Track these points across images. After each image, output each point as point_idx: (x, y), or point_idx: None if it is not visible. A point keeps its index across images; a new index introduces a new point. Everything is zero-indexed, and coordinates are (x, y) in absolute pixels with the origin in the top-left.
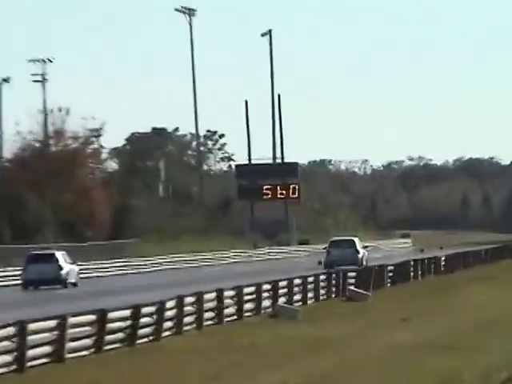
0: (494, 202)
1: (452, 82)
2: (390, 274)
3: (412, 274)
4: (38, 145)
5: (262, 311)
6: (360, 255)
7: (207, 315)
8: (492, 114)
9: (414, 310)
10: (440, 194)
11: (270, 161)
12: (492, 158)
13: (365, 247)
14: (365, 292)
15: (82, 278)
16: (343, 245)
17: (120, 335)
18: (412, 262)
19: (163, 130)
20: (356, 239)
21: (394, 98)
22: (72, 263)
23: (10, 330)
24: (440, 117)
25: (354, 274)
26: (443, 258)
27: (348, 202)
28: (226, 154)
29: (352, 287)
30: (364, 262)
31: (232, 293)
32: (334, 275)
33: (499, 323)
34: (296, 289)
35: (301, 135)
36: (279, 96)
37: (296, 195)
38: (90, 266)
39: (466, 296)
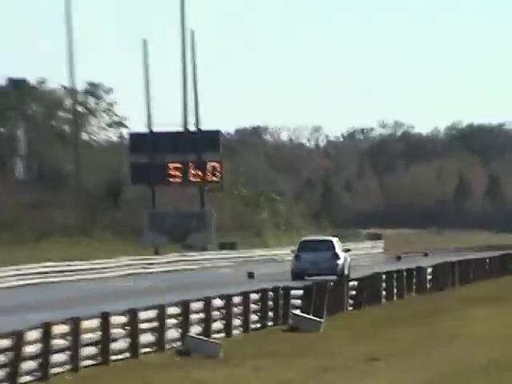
0: (503, 190)
1: (442, 23)
2: (353, 293)
3: (384, 292)
4: None
5: (168, 346)
6: (340, 261)
7: (87, 351)
8: (501, 65)
9: (385, 345)
10: (425, 178)
11: (180, 129)
12: (502, 126)
13: (346, 250)
14: (316, 318)
15: None
16: (318, 247)
17: None
18: (384, 276)
19: (22, 81)
20: (335, 240)
21: (358, 44)
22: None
23: None
24: (426, 68)
25: (299, 292)
26: (429, 270)
27: (292, 187)
28: (116, 119)
29: (297, 311)
30: (346, 271)
31: (123, 319)
32: (271, 294)
33: (503, 368)
34: (216, 314)
35: (224, 94)
36: (193, 34)
37: (217, 178)
38: None
39: (460, 325)
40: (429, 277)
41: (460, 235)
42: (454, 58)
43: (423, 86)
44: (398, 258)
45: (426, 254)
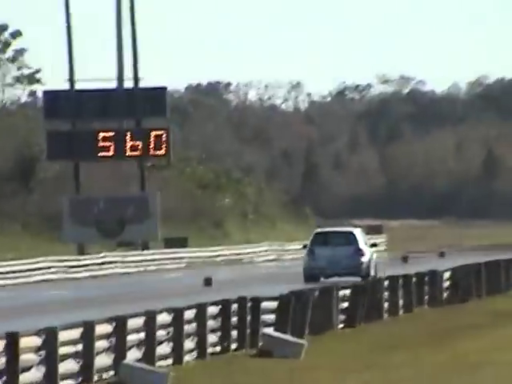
0: None
1: None
2: (345, 306)
3: (387, 304)
4: None
5: (96, 376)
6: (365, 258)
7: None
8: None
9: (388, 376)
10: (441, 151)
11: (112, 84)
12: None
13: (372, 245)
14: (295, 340)
15: None
16: (336, 241)
17: None
18: (386, 283)
19: None
20: (357, 231)
21: None
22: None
23: None
24: (439, 5)
25: (272, 304)
26: (447, 275)
27: (264, 164)
28: (26, 71)
29: (269, 330)
30: (372, 271)
31: (36, 341)
32: (234, 306)
33: None
34: (161, 333)
35: (173, 42)
36: None
37: (163, 151)
38: None
39: (489, 348)
40: (446, 284)
41: (487, 228)
42: None
43: (436, 29)
44: (405, 259)
45: (441, 254)
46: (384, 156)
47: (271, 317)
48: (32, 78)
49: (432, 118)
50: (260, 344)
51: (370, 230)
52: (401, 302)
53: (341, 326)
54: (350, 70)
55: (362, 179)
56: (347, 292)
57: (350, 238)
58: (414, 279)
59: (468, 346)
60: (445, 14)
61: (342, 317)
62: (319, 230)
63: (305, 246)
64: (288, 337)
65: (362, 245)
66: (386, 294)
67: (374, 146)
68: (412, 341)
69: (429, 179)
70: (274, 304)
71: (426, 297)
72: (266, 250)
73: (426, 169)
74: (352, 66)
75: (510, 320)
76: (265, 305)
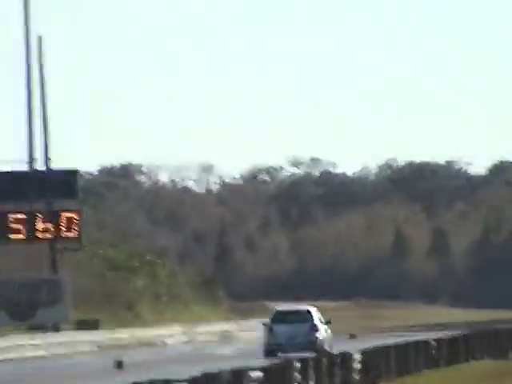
0: (452, 248)
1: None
2: None
3: None
4: None
5: None
6: (320, 334)
7: None
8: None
9: None
10: (351, 232)
11: (24, 167)
12: (450, 164)
13: (327, 322)
14: None
15: None
16: (293, 318)
17: None
18: (298, 365)
19: None
20: (313, 310)
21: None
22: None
23: None
24: (350, 90)
25: None
26: (357, 357)
27: (176, 245)
28: None
29: None
30: (326, 346)
31: None
32: None
33: None
34: None
35: (85, 125)
36: (40, 40)
37: (74, 234)
38: None
39: None
40: (357, 366)
41: (397, 309)
42: (386, 77)
43: (345, 112)
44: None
45: (352, 336)
46: (295, 237)
47: None
48: None
49: (342, 199)
50: None
51: None
52: None
53: None
54: (261, 152)
55: (274, 261)
56: (259, 374)
57: (306, 316)
58: (325, 362)
59: None
60: (353, 98)
61: None
62: (278, 308)
63: (264, 324)
64: None
65: (316, 321)
66: (297, 375)
67: (286, 227)
68: None
69: (339, 260)
70: None
71: (338, 379)
72: (178, 332)
73: (337, 250)
74: (263, 149)
75: None
76: None
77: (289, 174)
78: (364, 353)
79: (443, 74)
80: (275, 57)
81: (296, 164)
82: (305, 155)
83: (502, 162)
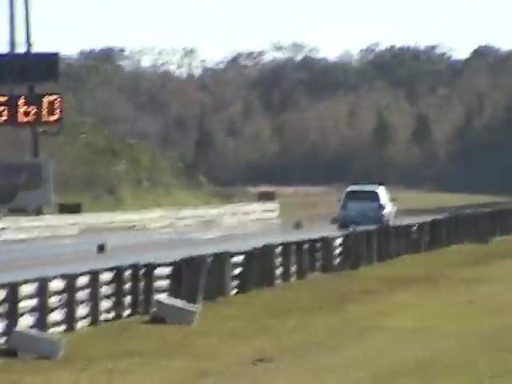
0: (434, 134)
1: None
2: (238, 271)
3: (279, 270)
4: None
5: None
6: (386, 211)
7: None
8: None
9: (279, 341)
10: (334, 117)
11: (4, 50)
12: (432, 49)
13: (393, 200)
14: (187, 306)
15: None
16: (363, 197)
17: None
18: (279, 249)
19: None
20: (381, 189)
21: None
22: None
23: None
24: None
25: (166, 270)
26: (339, 241)
27: (158, 130)
28: None
29: (162, 296)
30: (391, 221)
31: None
32: (128, 273)
33: (434, 373)
34: (53, 300)
35: (64, 6)
36: None
37: (55, 117)
38: None
39: (376, 314)
40: (338, 250)
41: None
42: None
43: None
44: (298, 226)
45: (334, 221)
46: (277, 123)
47: (165, 283)
48: None
49: (325, 85)
50: (153, 310)
51: (263, 197)
52: (293, 268)
53: (233, 292)
54: (243, 36)
55: (256, 146)
56: (240, 258)
57: (374, 195)
58: (306, 245)
59: (358, 311)
60: None
61: (234, 283)
62: (351, 187)
63: (338, 201)
64: (181, 303)
65: (383, 200)
66: (278, 260)
67: (268, 112)
68: (304, 306)
69: (322, 146)
70: (167, 270)
71: (319, 263)
72: (160, 217)
73: (319, 136)
74: (246, 33)
75: (399, 286)
76: (158, 271)
77: (271, 58)
78: (345, 237)
79: None
80: None
81: (278, 48)
82: (287, 39)
83: (483, 46)
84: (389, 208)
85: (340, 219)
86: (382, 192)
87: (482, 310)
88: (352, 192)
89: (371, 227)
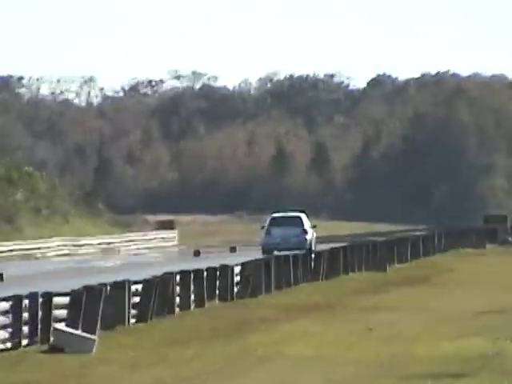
0: (333, 162)
1: None
2: (137, 300)
3: (178, 299)
4: None
5: None
6: (308, 236)
7: None
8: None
9: (178, 369)
10: (233, 146)
11: None
12: (331, 77)
13: (313, 226)
14: (86, 335)
15: None
16: (287, 223)
17: None
18: (178, 277)
19: None
20: (303, 216)
21: None
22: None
23: None
24: (230, 4)
25: (66, 298)
26: (237, 270)
27: (57, 158)
28: None
29: (61, 325)
30: (313, 246)
31: None
32: (26, 302)
33: None
34: None
35: None
36: None
37: None
38: None
39: (275, 342)
40: (237, 278)
41: None
42: None
43: (228, 25)
44: (197, 254)
45: (233, 249)
46: (177, 151)
47: (64, 312)
48: None
49: (224, 113)
50: (52, 339)
51: (162, 225)
52: (192, 297)
53: (133, 320)
54: (142, 65)
55: (155, 174)
56: (139, 287)
57: (298, 221)
58: (205, 273)
59: (257, 340)
60: (232, 10)
61: (134, 311)
62: (274, 214)
63: (262, 228)
64: (79, 332)
65: (306, 226)
66: (177, 288)
67: (167, 140)
68: (203, 335)
69: (221, 174)
70: (66, 299)
71: (218, 291)
72: (59, 245)
73: (218, 164)
74: (145, 62)
75: (298, 314)
76: (57, 300)
77: (170, 86)
78: (244, 265)
79: None
80: None
81: (177, 77)
82: (186, 68)
83: (380, 75)
84: (310, 234)
85: (264, 245)
86: (305, 218)
87: (380, 338)
88: (275, 218)
89: (297, 252)
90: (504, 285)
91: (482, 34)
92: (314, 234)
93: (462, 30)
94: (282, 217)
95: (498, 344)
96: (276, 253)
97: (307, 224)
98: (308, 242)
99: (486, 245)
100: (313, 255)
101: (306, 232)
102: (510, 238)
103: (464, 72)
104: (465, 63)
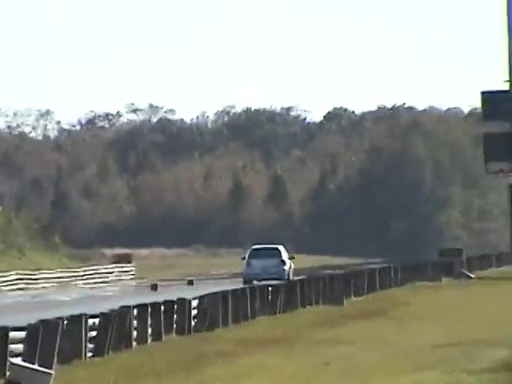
0: (290, 196)
1: None
2: (94, 334)
3: (136, 333)
4: None
5: None
6: (286, 267)
7: None
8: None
9: None
10: (190, 179)
11: None
12: (288, 111)
13: (291, 258)
14: (42, 369)
15: None
16: (266, 254)
17: None
18: (135, 311)
19: None
20: (281, 247)
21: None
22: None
23: None
24: (185, 38)
25: (21, 333)
26: (195, 303)
27: (13, 192)
28: None
29: (17, 359)
30: (291, 276)
31: None
32: None
33: None
34: None
35: None
36: None
37: None
38: None
39: (232, 376)
40: (194, 312)
41: (236, 256)
42: (219, 22)
43: (185, 59)
44: (154, 288)
45: (190, 282)
46: (134, 184)
47: (20, 346)
48: None
49: (181, 147)
50: (8, 374)
51: (119, 259)
52: (149, 331)
53: (90, 354)
54: (99, 98)
55: (112, 207)
56: (96, 320)
57: (276, 252)
58: (162, 307)
59: (214, 374)
60: (188, 43)
61: (90, 345)
62: (255, 246)
63: (243, 259)
64: (36, 366)
65: (284, 257)
66: (134, 322)
67: (124, 174)
68: (160, 369)
69: (178, 208)
70: (22, 333)
71: (175, 325)
72: (15, 279)
73: (176, 197)
74: (102, 95)
75: (255, 347)
76: (13, 334)
77: (127, 120)
78: (201, 299)
79: (277, 18)
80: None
81: (134, 110)
82: (143, 101)
83: (336, 108)
84: (288, 264)
85: (245, 275)
86: (282, 250)
87: (337, 372)
88: (255, 250)
89: (276, 282)
90: (460, 318)
91: (437, 68)
92: (292, 265)
93: (417, 64)
94: (262, 248)
95: (453, 377)
96: (256, 282)
97: (285, 255)
98: (286, 272)
99: (441, 278)
100: (270, 288)
101: (284, 263)
102: (465, 272)
103: (420, 105)
104: (420, 97)
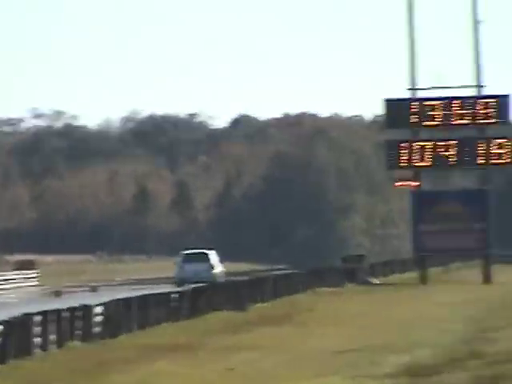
0: (195, 202)
1: None
2: None
3: (38, 340)
4: None
5: None
6: (216, 271)
7: None
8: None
9: None
10: (94, 185)
11: None
12: (192, 117)
13: (221, 261)
14: None
15: None
16: (197, 259)
17: None
18: (38, 318)
19: None
20: (211, 253)
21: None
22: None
23: None
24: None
25: None
26: (99, 310)
27: None
28: None
29: None
30: (222, 279)
31: None
32: None
33: None
34: None
35: None
36: None
37: None
38: None
39: (137, 383)
40: (98, 319)
41: (140, 262)
42: (131, 29)
43: (90, 64)
44: (58, 294)
45: (94, 289)
46: (37, 190)
47: None
48: None
49: (85, 152)
50: None
51: (21, 266)
52: (52, 337)
53: None
54: (1, 103)
55: (14, 213)
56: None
57: (205, 257)
58: (66, 314)
59: (118, 380)
60: (96, 51)
61: None
62: (186, 251)
63: (175, 263)
64: None
65: (213, 262)
66: (37, 329)
67: (27, 180)
68: (63, 376)
69: (82, 214)
70: None
71: (79, 331)
72: None
73: (79, 203)
74: (4, 99)
75: (159, 354)
76: None
77: (30, 125)
78: (105, 305)
79: (180, 24)
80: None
81: (38, 115)
82: (47, 107)
83: (241, 115)
84: (219, 268)
85: (177, 279)
86: (213, 255)
87: (241, 377)
88: (187, 255)
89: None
90: (362, 324)
91: (341, 76)
92: (223, 269)
93: (322, 71)
94: (193, 253)
95: (356, 381)
96: (187, 285)
97: (215, 259)
98: (216, 275)
99: (344, 284)
100: (175, 295)
101: (213, 267)
102: (368, 278)
103: (324, 113)
104: (324, 104)
